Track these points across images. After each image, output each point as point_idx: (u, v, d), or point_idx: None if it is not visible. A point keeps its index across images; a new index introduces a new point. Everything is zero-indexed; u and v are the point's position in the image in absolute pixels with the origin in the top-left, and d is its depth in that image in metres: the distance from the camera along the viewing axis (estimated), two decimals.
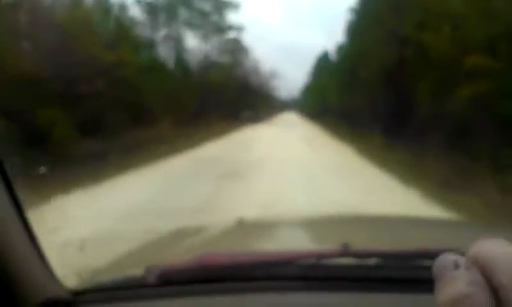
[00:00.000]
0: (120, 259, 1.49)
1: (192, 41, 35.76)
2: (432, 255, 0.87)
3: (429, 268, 0.91)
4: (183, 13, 29.02)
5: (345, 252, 1.01)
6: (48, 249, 0.96)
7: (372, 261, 1.00)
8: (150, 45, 23.34)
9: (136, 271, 1.06)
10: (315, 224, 1.83)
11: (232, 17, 31.77)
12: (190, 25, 29.76)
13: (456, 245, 0.87)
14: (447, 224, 2.05)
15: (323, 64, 61.83)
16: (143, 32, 26.22)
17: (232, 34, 32.69)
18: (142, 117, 19.91)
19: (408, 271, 0.99)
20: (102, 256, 1.49)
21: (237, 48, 33.99)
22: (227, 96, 34.04)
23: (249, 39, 36.57)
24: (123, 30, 17.83)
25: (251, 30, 50.22)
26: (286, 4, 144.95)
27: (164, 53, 27.51)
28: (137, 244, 1.63)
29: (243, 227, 1.62)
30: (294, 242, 1.54)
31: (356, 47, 25.31)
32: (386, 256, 1.01)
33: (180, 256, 1.27)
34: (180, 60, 26.92)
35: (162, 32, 27.56)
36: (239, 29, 32.45)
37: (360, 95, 25.91)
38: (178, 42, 28.53)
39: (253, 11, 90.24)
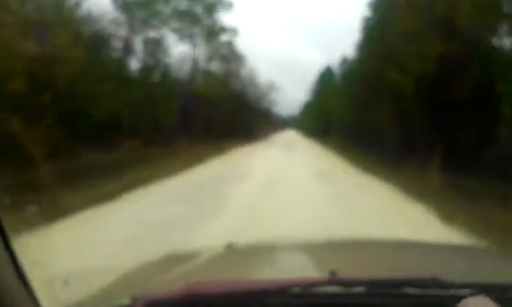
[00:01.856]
0: (106, 289, 1.43)
1: (177, 46, 30.72)
2: (417, 283, 1.00)
3: (414, 296, 0.98)
4: (164, 10, 24.10)
5: (333, 280, 1.03)
6: (34, 283, 0.95)
7: (359, 289, 1.00)
8: (104, 41, 18.20)
9: (122, 301, 1.04)
10: (304, 250, 1.83)
11: (224, 18, 26.92)
12: (174, 25, 24.81)
13: (442, 271, 1.06)
14: (434, 249, 1.88)
15: (326, 80, 57.67)
16: (116, 32, 21.37)
17: (224, 38, 27.75)
18: (91, 134, 14.80)
19: (394, 299, 1.00)
20: (88, 288, 1.45)
21: (230, 55, 29.02)
22: (218, 111, 28.97)
23: (244, 52, 31.24)
24: (58, 14, 12.78)
25: (247, 45, 46.11)
26: (283, 21, 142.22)
27: (140, 58, 22.48)
28: (123, 273, 1.54)
29: (232, 253, 1.62)
30: (283, 269, 1.54)
31: (375, 50, 20.32)
32: (372, 284, 1.01)
33: (168, 285, 1.27)
34: (157, 66, 21.84)
35: (137, 33, 22.51)
36: (232, 31, 27.55)
37: (378, 111, 20.96)
38: (156, 45, 23.53)
39: (249, 26, 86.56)
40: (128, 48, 21.60)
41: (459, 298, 0.94)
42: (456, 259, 1.60)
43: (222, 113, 29.37)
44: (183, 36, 26.02)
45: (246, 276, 1.38)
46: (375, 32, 20.58)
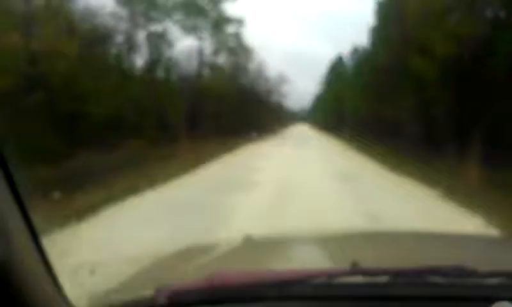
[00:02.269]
0: (130, 281, 1.46)
1: (182, 40, 29.60)
2: (442, 272, 0.98)
3: (439, 285, 0.95)
4: (166, 2, 22.92)
5: (356, 270, 1.02)
6: (61, 272, 0.98)
7: (382, 279, 0.98)
8: (103, 36, 17.10)
9: (146, 292, 1.06)
10: (323, 242, 1.80)
11: (231, 10, 25.59)
12: (177, 18, 23.64)
13: (466, 261, 1.02)
14: (457, 239, 1.83)
15: (337, 71, 55.99)
16: (117, 26, 20.29)
17: (231, 29, 26.48)
18: (91, 134, 13.77)
19: (419, 289, 0.98)
20: (112, 278, 1.51)
21: (237, 47, 27.74)
22: (226, 106, 27.80)
23: (253, 45, 29.85)
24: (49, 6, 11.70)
25: (254, 38, 44.66)
26: (291, 13, 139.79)
27: (143, 53, 21.37)
28: (146, 264, 1.57)
29: (251, 245, 1.61)
30: (302, 260, 1.53)
31: (392, 34, 18.84)
32: (396, 274, 1.00)
33: (190, 276, 1.27)
34: (161, 61, 20.73)
35: (141, 27, 21.40)
36: (239, 22, 26.27)
37: (398, 100, 19.53)
38: (160, 39, 22.40)
39: (256, 19, 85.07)
40: (130, 43, 20.52)
41: (486, 287, 0.96)
42: (481, 249, 1.57)
43: (230, 108, 28.19)
44: (188, 29, 24.86)
45: (266, 267, 1.35)
46: (391, 15, 19.13)
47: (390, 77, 20.15)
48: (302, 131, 54.38)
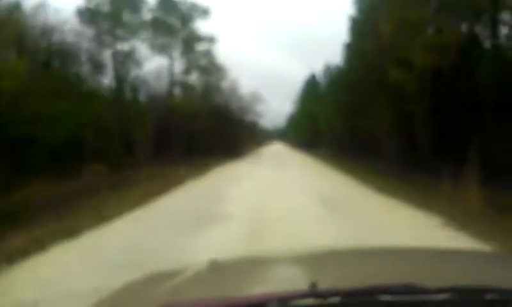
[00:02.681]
0: None
1: (152, 60, 28.59)
2: (392, 290, 1.01)
3: (389, 303, 0.99)
4: (133, 20, 21.89)
5: (310, 292, 1.03)
6: None
7: (335, 300, 1.00)
8: (65, 54, 15.91)
9: None
10: (287, 263, 1.82)
11: (202, 29, 24.69)
12: (145, 36, 22.63)
13: (418, 277, 1.08)
14: (419, 254, 1.86)
15: (311, 89, 55.95)
16: (82, 43, 19.05)
17: (202, 47, 25.62)
18: (44, 161, 12.43)
19: None
20: None
21: (209, 66, 26.86)
22: (198, 126, 26.72)
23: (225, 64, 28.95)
24: None
25: (226, 57, 44.06)
26: (263, 33, 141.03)
27: (108, 73, 20.16)
28: (98, 296, 1.45)
29: (215, 269, 1.62)
30: (264, 282, 1.52)
31: (366, 48, 18.35)
32: (347, 294, 1.02)
33: (149, 305, 1.24)
34: (127, 80, 19.59)
35: (106, 45, 20.25)
36: (210, 40, 25.45)
37: (374, 116, 18.96)
38: (127, 58, 21.28)
39: (228, 37, 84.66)
40: (94, 62, 19.33)
41: (434, 303, 0.99)
42: (436, 264, 1.61)
43: (203, 128, 27.12)
44: (157, 47, 23.88)
45: (228, 292, 1.35)
46: (366, 29, 18.70)
47: (365, 91, 19.63)
48: (278, 150, 53.48)
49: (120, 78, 19.73)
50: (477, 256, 2.03)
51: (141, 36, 22.59)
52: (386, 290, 1.01)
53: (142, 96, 24.74)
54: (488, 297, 1.00)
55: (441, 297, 0.99)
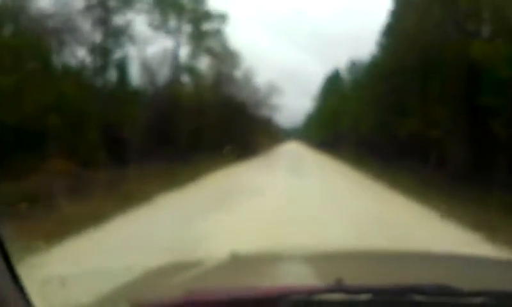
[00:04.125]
0: (104, 296, 1.37)
1: (156, 42, 24.67)
2: (423, 290, 0.95)
3: (421, 304, 0.92)
4: None
5: (337, 287, 0.99)
6: (30, 284, 0.93)
7: (364, 297, 0.96)
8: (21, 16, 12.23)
9: None
10: (310, 259, 1.77)
11: (211, 4, 20.71)
12: (142, 8, 18.82)
13: (450, 280, 1.00)
14: (442, 258, 1.80)
15: (334, 85, 52.02)
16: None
17: (211, 26, 21.67)
18: None
19: (399, 306, 0.98)
20: (84, 293, 1.45)
21: (220, 50, 22.95)
22: (205, 121, 22.85)
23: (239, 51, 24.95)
24: None
25: (242, 45, 40.26)
26: (280, 29, 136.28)
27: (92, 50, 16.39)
28: (123, 280, 1.46)
29: (236, 262, 1.58)
30: (287, 277, 1.50)
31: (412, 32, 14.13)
32: (377, 292, 0.98)
33: (169, 293, 1.21)
34: (113, 59, 15.80)
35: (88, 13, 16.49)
36: (221, 18, 21.50)
37: (419, 113, 14.77)
38: (118, 34, 17.49)
39: (245, 34, 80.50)
40: (72, 33, 15.61)
41: (468, 306, 0.95)
42: (466, 269, 1.55)
43: (211, 123, 23.23)
44: (157, 24, 20.05)
45: (249, 285, 1.29)
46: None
47: (412, 80, 15.45)
48: (295, 150, 48.75)
49: (105, 56, 15.93)
50: (508, 263, 1.94)
51: (137, 8, 18.77)
52: (419, 290, 0.95)
53: (142, 83, 21.07)
54: None
55: (476, 300, 0.93)
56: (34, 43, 11.78)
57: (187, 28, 21.79)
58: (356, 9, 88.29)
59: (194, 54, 22.68)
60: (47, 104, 11.84)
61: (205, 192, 10.24)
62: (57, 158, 11.90)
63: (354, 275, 1.25)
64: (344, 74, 48.14)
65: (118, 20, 17.96)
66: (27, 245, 4.56)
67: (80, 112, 13.29)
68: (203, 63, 23.94)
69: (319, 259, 1.72)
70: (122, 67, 16.16)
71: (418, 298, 0.94)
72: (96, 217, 6.01)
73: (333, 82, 52.25)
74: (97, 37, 16.90)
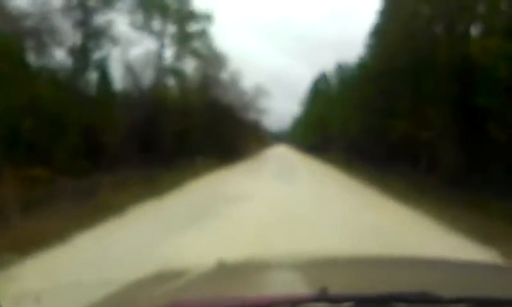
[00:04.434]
0: None
1: (139, 44, 24.00)
2: (405, 298, 0.96)
3: None
4: None
5: (321, 296, 0.99)
6: (3, 299, 1.15)
7: (348, 305, 0.96)
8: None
9: None
10: (296, 267, 1.76)
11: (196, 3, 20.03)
12: (122, 7, 18.15)
13: (432, 287, 1.00)
14: (425, 264, 1.79)
15: (321, 88, 51.86)
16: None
17: (196, 26, 21.09)
18: None
19: None
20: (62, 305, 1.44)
21: (205, 50, 22.36)
22: (190, 124, 22.23)
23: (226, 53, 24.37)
24: None
25: (228, 48, 39.37)
26: (267, 33, 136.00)
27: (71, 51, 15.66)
28: (101, 294, 1.40)
29: (223, 270, 1.58)
30: (274, 286, 1.49)
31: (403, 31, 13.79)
32: (360, 300, 0.98)
33: (155, 302, 1.20)
34: (92, 60, 15.14)
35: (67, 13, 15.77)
36: (207, 18, 20.93)
37: (410, 117, 14.39)
38: (98, 34, 16.79)
39: (231, 37, 79.60)
40: (50, 33, 14.87)
41: None
42: (450, 274, 1.55)
43: (197, 126, 22.61)
44: (139, 24, 19.39)
45: (235, 293, 1.28)
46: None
47: (404, 81, 15.10)
48: (283, 154, 48.20)
49: (84, 57, 15.21)
50: (492, 268, 1.96)
51: (119, 8, 18.09)
52: (401, 298, 0.96)
53: (125, 85, 20.37)
54: None
55: (457, 306, 0.94)
56: (5, 41, 11.04)
57: (171, 29, 21.22)
58: (342, 13, 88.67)
59: (179, 56, 22.06)
60: (19, 106, 11.12)
61: (184, 202, 9.47)
62: (32, 165, 11.22)
63: (339, 283, 1.27)
64: (331, 77, 48.22)
65: (99, 20, 17.32)
66: None
67: (57, 115, 12.57)
68: (189, 65, 23.37)
69: (306, 267, 1.71)
70: (103, 69, 15.45)
71: (400, 305, 0.94)
72: (54, 236, 5.27)
73: (320, 86, 52.09)
74: (77, 37, 16.26)
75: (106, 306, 1.35)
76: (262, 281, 1.54)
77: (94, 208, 6.72)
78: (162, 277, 1.60)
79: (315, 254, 2.27)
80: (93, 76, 15.39)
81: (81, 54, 15.22)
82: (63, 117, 12.69)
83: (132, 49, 20.29)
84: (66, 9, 16.11)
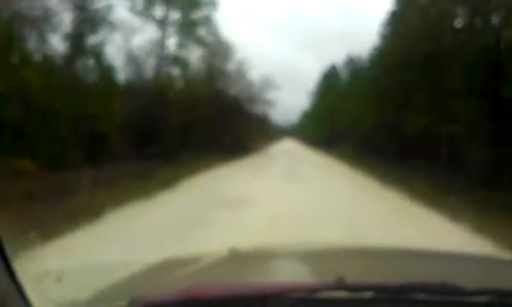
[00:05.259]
0: (102, 292, 1.34)
1: (142, 31, 22.96)
2: (426, 289, 0.95)
3: (424, 302, 0.91)
4: None
5: (339, 285, 0.97)
6: (26, 278, 0.92)
7: (366, 294, 0.95)
8: None
9: (119, 304, 1.00)
10: (311, 256, 1.73)
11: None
12: None
13: (453, 279, 0.98)
14: (445, 257, 1.73)
15: (331, 81, 50.57)
16: None
17: (200, 14, 20.02)
18: None
19: (402, 305, 0.96)
20: (81, 288, 1.42)
21: (211, 39, 21.30)
22: (195, 116, 21.26)
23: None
24: None
25: (235, 38, 38.08)
26: (274, 25, 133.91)
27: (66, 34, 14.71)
28: (121, 275, 1.43)
29: (236, 258, 1.55)
30: (288, 274, 1.46)
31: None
32: (380, 290, 0.97)
33: (168, 288, 1.19)
34: (87, 45, 14.17)
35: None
36: (212, 4, 19.84)
37: (430, 109, 13.22)
38: (99, 19, 15.82)
39: (238, 29, 77.94)
40: (42, 18, 13.92)
41: (473, 304, 0.93)
42: (468, 267, 1.52)
43: (200, 119, 21.64)
44: (141, 11, 18.38)
45: (249, 281, 1.27)
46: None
47: (419, 74, 13.94)
48: (291, 149, 46.51)
49: (80, 43, 14.25)
50: (509, 262, 1.94)
51: None
52: (422, 288, 0.95)
53: (126, 74, 19.47)
54: None
55: (480, 299, 0.92)
56: None
57: (175, 15, 20.20)
58: (349, 6, 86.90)
59: (182, 44, 21.03)
60: (4, 93, 10.19)
61: (175, 205, 8.15)
62: (18, 157, 10.32)
63: (355, 273, 1.24)
64: (341, 70, 46.90)
65: (97, 4, 16.34)
66: None
67: (46, 104, 11.64)
68: (194, 55, 22.32)
69: (320, 257, 1.69)
70: (100, 56, 14.48)
71: (421, 296, 0.93)
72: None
73: (329, 78, 50.79)
74: (72, 21, 15.31)
75: (124, 287, 1.35)
76: (275, 269, 1.53)
77: (63, 213, 5.66)
78: (176, 263, 1.57)
79: (328, 243, 2.21)
80: (90, 63, 14.38)
81: (76, 40, 14.25)
82: (53, 106, 11.75)
83: (135, 38, 19.37)
84: None
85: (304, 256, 1.73)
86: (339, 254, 1.74)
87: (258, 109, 29.74)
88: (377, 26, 20.50)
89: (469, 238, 6.12)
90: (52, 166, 10.87)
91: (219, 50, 23.43)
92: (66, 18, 15.15)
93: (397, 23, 17.01)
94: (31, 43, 13.10)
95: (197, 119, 21.79)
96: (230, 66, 25.23)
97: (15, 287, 0.89)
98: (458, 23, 11.56)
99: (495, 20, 10.57)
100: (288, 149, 43.92)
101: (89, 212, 5.90)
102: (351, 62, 42.05)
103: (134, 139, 16.53)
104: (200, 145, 20.75)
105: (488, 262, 1.70)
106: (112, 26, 16.72)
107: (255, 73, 27.39)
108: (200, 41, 20.63)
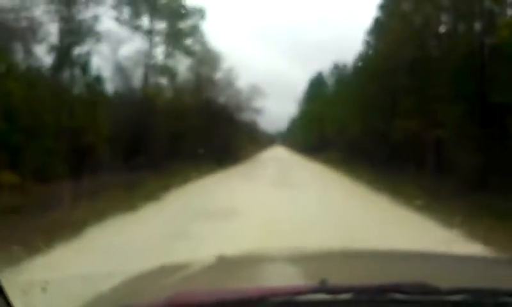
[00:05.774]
0: (88, 302, 1.33)
1: (131, 42, 22.84)
2: (403, 289, 0.96)
3: (401, 302, 0.94)
4: None
5: (320, 288, 1.00)
6: (12, 292, 0.92)
7: (346, 296, 0.97)
8: None
9: None
10: (297, 260, 1.77)
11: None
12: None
13: (430, 278, 1.01)
14: (423, 257, 1.78)
15: (318, 89, 50.92)
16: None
17: (187, 23, 19.98)
18: None
19: (380, 305, 0.98)
20: (66, 299, 1.51)
21: (198, 48, 21.27)
22: (183, 125, 21.14)
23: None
24: None
25: (222, 47, 37.96)
26: (260, 35, 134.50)
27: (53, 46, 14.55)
28: (107, 285, 1.41)
29: (223, 264, 1.58)
30: (274, 279, 1.49)
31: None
32: (359, 291, 0.99)
33: (155, 296, 1.15)
34: (73, 56, 14.03)
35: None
36: (199, 13, 19.84)
37: (418, 116, 13.33)
38: (85, 30, 15.70)
39: (225, 41, 77.61)
40: (27, 29, 13.75)
41: (449, 303, 0.95)
42: (446, 267, 1.55)
43: (189, 128, 21.54)
44: (127, 21, 18.29)
45: (236, 286, 1.30)
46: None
47: (405, 80, 14.09)
48: (280, 156, 46.42)
49: (66, 54, 14.10)
50: (490, 261, 2.00)
51: (105, 2, 17.00)
52: (399, 289, 0.97)
53: (116, 85, 19.35)
54: (503, 299, 0.95)
55: (455, 298, 0.94)
56: None
57: (161, 25, 20.15)
58: (336, 17, 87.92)
59: (170, 53, 20.97)
60: None
61: (160, 218, 7.91)
62: (2, 170, 10.11)
63: (339, 275, 1.27)
64: (328, 77, 47.28)
65: (83, 14, 16.22)
66: None
67: (33, 115, 11.46)
68: (181, 64, 22.26)
69: (305, 260, 1.72)
70: (86, 67, 14.34)
71: (399, 296, 0.95)
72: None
73: (316, 86, 51.12)
74: (59, 33, 15.15)
75: (110, 297, 1.34)
76: (262, 274, 1.54)
77: (47, 227, 5.48)
78: (164, 271, 1.57)
79: (314, 247, 2.23)
80: (77, 74, 14.22)
81: (62, 51, 14.10)
82: (38, 117, 11.56)
83: (122, 48, 19.16)
84: (47, 2, 15.06)
85: (290, 260, 1.75)
86: (324, 257, 1.77)
87: (246, 117, 29.76)
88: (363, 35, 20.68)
89: (460, 242, 6.12)
90: (36, 178, 10.68)
91: (207, 59, 23.42)
92: (52, 29, 15.13)
93: (381, 31, 17.20)
94: (17, 55, 12.95)
95: (186, 128, 21.69)
96: (218, 75, 25.25)
97: (2, 300, 0.90)
98: (442, 29, 11.69)
99: (478, 26, 10.74)
100: (277, 156, 43.92)
101: (66, 230, 5.58)
102: (337, 69, 42.52)
103: (122, 149, 16.33)
104: (189, 154, 20.64)
105: (467, 261, 1.74)
106: (99, 37, 16.64)
107: (242, 82, 27.46)
108: (188, 51, 20.59)
